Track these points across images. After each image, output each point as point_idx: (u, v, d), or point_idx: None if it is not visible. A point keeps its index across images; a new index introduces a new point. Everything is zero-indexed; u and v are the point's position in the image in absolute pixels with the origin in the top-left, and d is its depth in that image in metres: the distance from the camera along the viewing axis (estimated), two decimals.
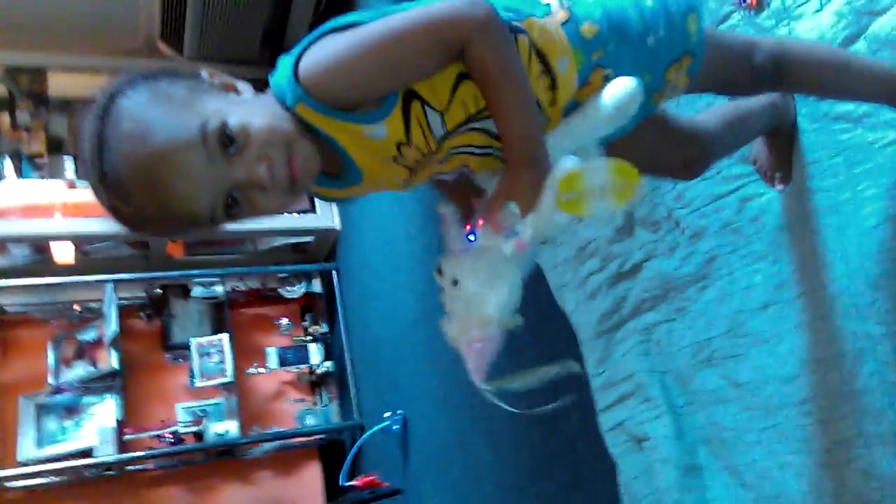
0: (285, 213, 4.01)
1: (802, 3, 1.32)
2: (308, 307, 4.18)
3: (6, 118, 3.99)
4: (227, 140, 0.75)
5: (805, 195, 1.33)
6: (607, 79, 0.89)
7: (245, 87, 0.84)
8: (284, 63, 0.80)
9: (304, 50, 0.79)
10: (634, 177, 0.79)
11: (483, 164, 0.92)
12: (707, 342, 1.55)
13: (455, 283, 0.81)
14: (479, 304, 0.81)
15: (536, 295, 2.08)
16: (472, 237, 0.83)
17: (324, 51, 0.79)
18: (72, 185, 3.77)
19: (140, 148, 0.73)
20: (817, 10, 1.29)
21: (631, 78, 0.86)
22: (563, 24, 0.89)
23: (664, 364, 1.68)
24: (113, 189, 0.75)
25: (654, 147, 1.11)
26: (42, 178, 3.92)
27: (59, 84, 4.03)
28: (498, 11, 0.80)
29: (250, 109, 0.79)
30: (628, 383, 1.74)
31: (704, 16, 0.99)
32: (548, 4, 0.90)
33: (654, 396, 1.67)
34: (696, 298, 1.58)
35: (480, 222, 0.82)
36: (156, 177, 0.74)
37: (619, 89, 0.85)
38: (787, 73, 1.09)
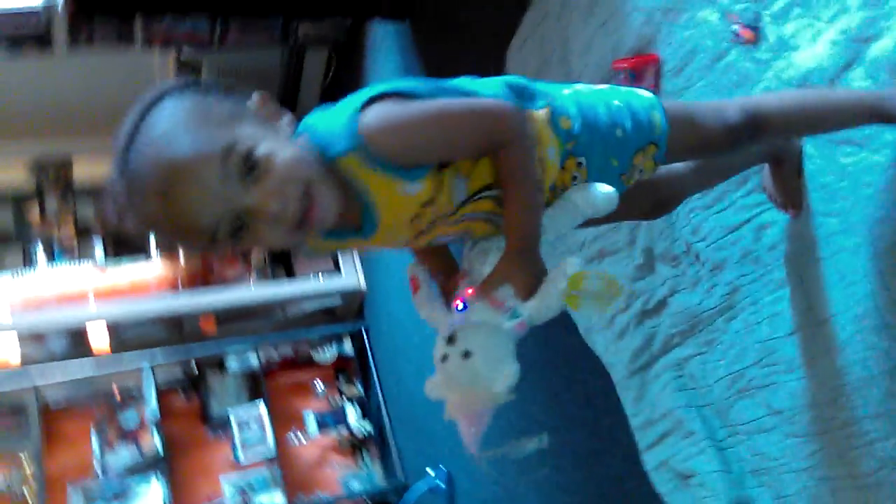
0: (311, 277, 4.07)
1: (799, 34, 1.35)
2: (341, 368, 4.21)
3: (35, 209, 4.12)
4: (249, 165, 0.78)
5: (817, 220, 1.34)
6: (580, 165, 1.00)
7: (287, 122, 0.87)
8: (335, 116, 0.86)
9: (364, 106, 0.85)
10: (620, 292, 0.91)
11: (485, 230, 0.99)
12: (741, 373, 1.55)
13: (466, 355, 0.86)
14: (490, 380, 0.86)
15: (566, 339, 2.09)
16: (460, 307, 0.91)
17: (390, 113, 0.85)
18: (102, 270, 3.86)
19: (162, 153, 0.76)
20: (813, 40, 1.32)
21: (609, 187, 0.98)
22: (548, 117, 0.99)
23: (701, 398, 1.67)
24: (129, 184, 0.78)
25: (626, 197, 1.15)
26: (73, 263, 4.02)
27: (84, 171, 4.16)
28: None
29: (283, 144, 0.82)
30: (668, 420, 1.74)
31: (662, 108, 1.07)
32: (541, 99, 0.99)
33: (695, 431, 1.67)
34: (724, 329, 1.59)
35: (469, 293, 0.91)
36: (169, 183, 0.76)
37: (599, 195, 0.97)
38: (765, 125, 1.13)
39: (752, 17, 1.43)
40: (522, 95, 0.98)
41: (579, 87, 1.06)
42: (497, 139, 0.89)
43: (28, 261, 4.01)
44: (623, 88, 1.09)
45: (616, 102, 1.04)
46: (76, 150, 4.08)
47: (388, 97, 0.87)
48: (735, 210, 1.52)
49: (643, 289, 1.81)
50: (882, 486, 1.28)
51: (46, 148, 4.04)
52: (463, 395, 0.86)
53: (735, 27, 1.47)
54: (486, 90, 0.96)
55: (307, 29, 3.40)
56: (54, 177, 4.11)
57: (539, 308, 0.88)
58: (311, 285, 4.10)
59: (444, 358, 0.88)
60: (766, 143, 1.34)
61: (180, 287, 3.93)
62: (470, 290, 0.91)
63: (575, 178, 1.01)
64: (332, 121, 0.86)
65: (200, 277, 4.00)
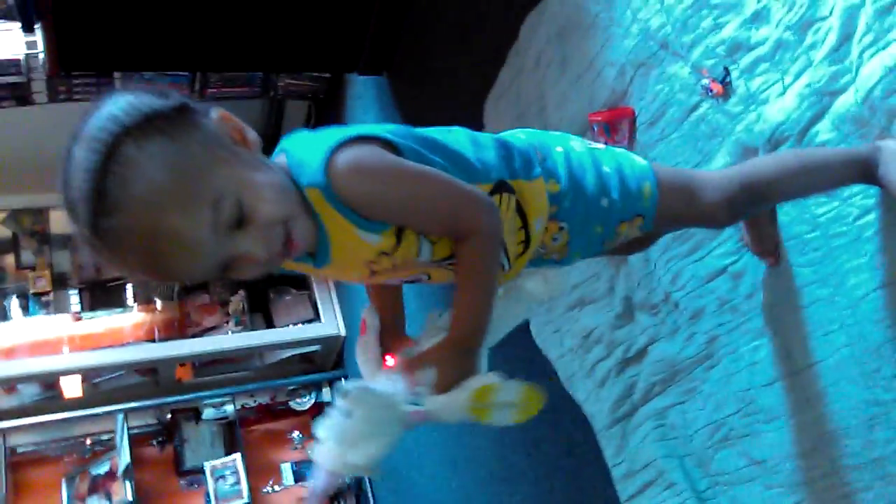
0: (290, 325, 4.04)
1: (767, 88, 1.38)
2: (319, 418, 4.14)
3: (11, 259, 4.07)
4: (236, 217, 0.77)
5: (792, 270, 1.36)
6: (561, 230, 1.00)
7: (254, 140, 0.84)
8: (313, 145, 0.84)
9: (342, 144, 0.83)
10: (539, 402, 0.89)
11: (444, 276, 0.97)
12: (721, 422, 1.54)
13: (348, 414, 0.84)
14: (353, 449, 0.84)
15: (549, 386, 2.08)
16: (388, 365, 0.92)
17: (365, 159, 0.83)
18: (77, 318, 3.81)
19: (149, 219, 0.72)
20: (781, 94, 1.35)
21: (560, 277, 1.00)
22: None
23: (682, 448, 1.66)
24: (105, 242, 0.74)
25: None
26: (48, 314, 3.96)
27: (61, 220, 4.12)
28: (500, 221, 0.91)
29: (259, 182, 0.80)
30: (649, 471, 1.72)
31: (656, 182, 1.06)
32: (536, 166, 0.98)
33: (676, 482, 1.65)
34: (703, 379, 1.59)
35: (395, 360, 0.91)
36: (158, 248, 0.74)
37: (554, 284, 1.00)
38: (762, 194, 1.14)
39: (721, 72, 1.47)
40: (513, 160, 0.96)
41: (574, 143, 1.05)
42: (463, 228, 0.87)
43: (1, 312, 3.95)
44: (618, 151, 1.08)
45: (606, 169, 1.02)
46: (54, 201, 4.04)
47: (373, 141, 0.86)
48: (712, 258, 1.54)
49: (623, 338, 1.82)
50: None
51: (24, 199, 4.00)
52: (329, 451, 0.85)
53: (705, 81, 1.50)
54: (481, 153, 0.94)
55: (287, 83, 3.44)
56: (30, 227, 4.08)
57: (442, 408, 0.86)
58: (290, 333, 4.05)
59: (334, 406, 0.88)
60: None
61: (157, 335, 3.87)
62: (395, 358, 0.92)
63: (555, 239, 1.01)
64: (308, 149, 0.84)
65: (177, 326, 3.95)
